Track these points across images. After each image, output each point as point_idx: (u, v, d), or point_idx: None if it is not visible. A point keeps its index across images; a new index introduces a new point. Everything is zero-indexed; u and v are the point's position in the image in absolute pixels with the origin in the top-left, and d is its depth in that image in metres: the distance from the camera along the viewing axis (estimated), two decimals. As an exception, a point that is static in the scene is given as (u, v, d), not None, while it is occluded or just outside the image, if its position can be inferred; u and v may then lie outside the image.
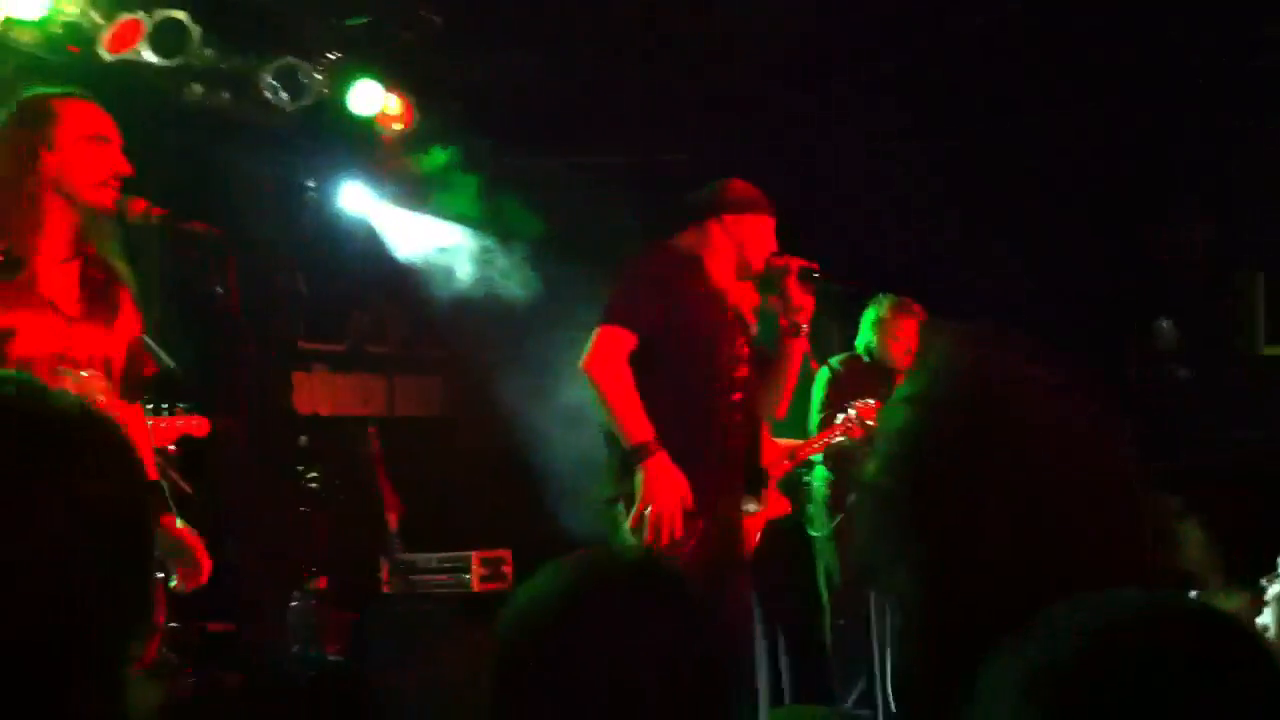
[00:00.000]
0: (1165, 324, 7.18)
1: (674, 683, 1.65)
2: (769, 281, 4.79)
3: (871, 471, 1.46)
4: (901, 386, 1.49)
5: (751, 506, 5.51)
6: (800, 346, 4.83)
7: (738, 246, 4.67)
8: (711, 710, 1.68)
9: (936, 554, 1.38)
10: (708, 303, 4.58)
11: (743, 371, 4.64)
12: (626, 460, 4.35)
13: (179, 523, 3.78)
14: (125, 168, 3.62)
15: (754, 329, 4.79)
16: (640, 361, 4.44)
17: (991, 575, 1.33)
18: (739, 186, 4.77)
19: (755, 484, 4.78)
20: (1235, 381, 7.14)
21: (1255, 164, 7.23)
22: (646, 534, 4.25)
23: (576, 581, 1.70)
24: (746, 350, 4.67)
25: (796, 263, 4.76)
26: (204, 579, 3.76)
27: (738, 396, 4.57)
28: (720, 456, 4.52)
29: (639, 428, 4.33)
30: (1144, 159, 7.20)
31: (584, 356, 4.44)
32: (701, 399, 4.50)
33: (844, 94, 7.13)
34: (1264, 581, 2.96)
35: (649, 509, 4.27)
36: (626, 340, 4.42)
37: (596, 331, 4.46)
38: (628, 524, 4.32)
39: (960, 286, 6.05)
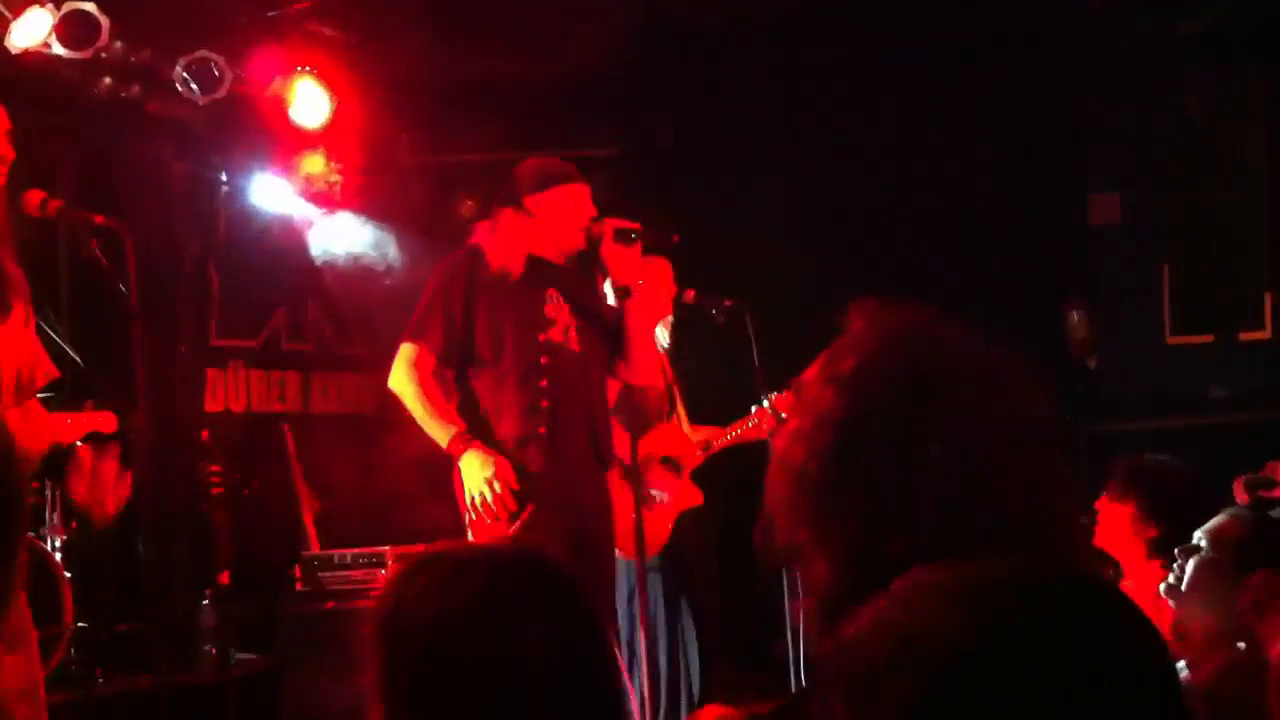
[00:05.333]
0: (1075, 314, 7.26)
1: (557, 673, 1.63)
2: (592, 252, 4.57)
3: (785, 449, 1.43)
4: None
5: (659, 496, 5.52)
6: (637, 307, 4.60)
7: (551, 223, 4.49)
8: (598, 701, 1.67)
9: (859, 532, 1.37)
10: (493, 296, 4.47)
11: (544, 360, 4.47)
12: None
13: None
14: (7, 151, 3.47)
15: (589, 305, 4.62)
16: (460, 367, 4.51)
17: (916, 553, 1.30)
18: (536, 163, 4.59)
19: (603, 457, 4.62)
20: (1143, 371, 7.24)
21: (1162, 156, 7.32)
22: (469, 518, 4.33)
23: (454, 578, 1.68)
24: (556, 334, 4.51)
25: (611, 225, 4.52)
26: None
27: (545, 383, 4.44)
28: (543, 443, 4.42)
29: (443, 430, 4.41)
30: (1053, 148, 7.27)
31: (390, 376, 4.52)
32: (509, 391, 4.44)
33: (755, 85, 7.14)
34: (1177, 553, 3.05)
35: (468, 497, 4.33)
36: (422, 354, 4.47)
37: (399, 349, 4.52)
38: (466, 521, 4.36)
39: (875, 281, 6.07)
